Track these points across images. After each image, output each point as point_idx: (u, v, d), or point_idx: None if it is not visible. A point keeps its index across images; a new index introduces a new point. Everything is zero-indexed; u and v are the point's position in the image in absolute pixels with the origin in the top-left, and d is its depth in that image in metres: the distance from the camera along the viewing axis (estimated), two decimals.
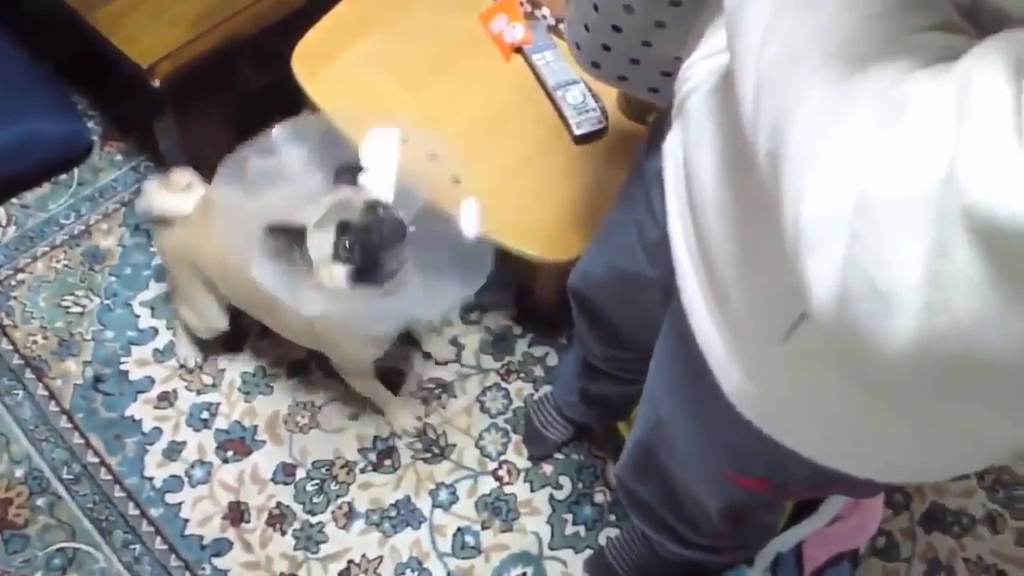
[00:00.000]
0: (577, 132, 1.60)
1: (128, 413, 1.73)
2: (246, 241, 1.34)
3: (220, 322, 1.66)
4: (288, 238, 1.27)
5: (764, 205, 0.54)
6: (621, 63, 1.03)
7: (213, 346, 1.78)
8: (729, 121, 0.70)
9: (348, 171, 1.34)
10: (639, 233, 1.04)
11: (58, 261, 1.89)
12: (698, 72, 0.79)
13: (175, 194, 1.58)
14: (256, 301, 1.54)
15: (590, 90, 1.64)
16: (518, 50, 1.70)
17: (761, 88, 0.53)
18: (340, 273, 1.27)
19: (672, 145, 0.82)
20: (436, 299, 1.37)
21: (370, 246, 1.25)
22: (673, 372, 0.93)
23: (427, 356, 1.83)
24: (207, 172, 1.65)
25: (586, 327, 1.37)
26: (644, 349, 1.32)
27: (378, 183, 1.33)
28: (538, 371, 1.83)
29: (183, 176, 1.60)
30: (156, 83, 1.59)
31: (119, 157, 2.04)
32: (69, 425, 1.70)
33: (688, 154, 0.77)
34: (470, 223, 1.38)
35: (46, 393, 1.74)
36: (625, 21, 0.94)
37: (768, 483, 0.86)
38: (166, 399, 1.75)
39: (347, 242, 1.25)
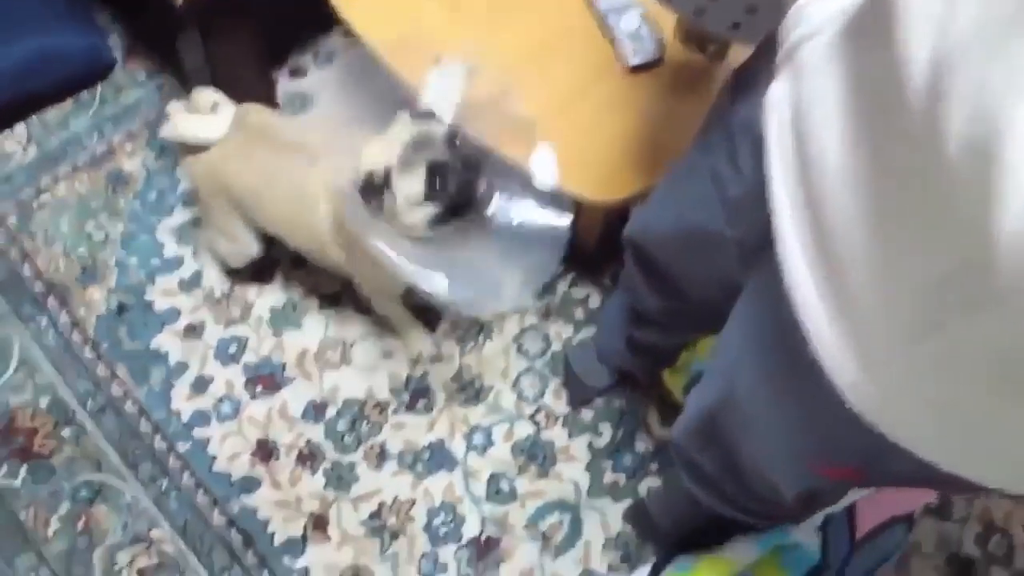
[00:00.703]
0: (632, 62, 1.49)
1: (154, 345, 1.67)
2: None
3: (253, 248, 1.59)
4: (377, 183, 1.22)
5: (923, 186, 0.46)
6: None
7: (242, 276, 1.72)
8: (872, 77, 0.60)
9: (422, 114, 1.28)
10: (717, 187, 0.94)
11: (81, 184, 1.81)
12: (816, 14, 0.68)
13: (202, 117, 1.49)
14: (295, 228, 1.48)
15: (645, 16, 1.52)
16: None
17: (950, 57, 0.44)
18: (427, 213, 1.22)
19: (778, 98, 0.72)
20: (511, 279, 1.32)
21: (466, 182, 1.21)
22: (759, 349, 0.84)
23: None
24: (235, 92, 1.56)
25: (642, 279, 1.28)
26: (707, 304, 1.24)
27: (443, 114, 1.27)
28: (579, 313, 1.76)
29: (208, 96, 1.51)
30: (178, 1, 1.48)
31: (143, 75, 1.94)
32: (93, 355, 1.65)
33: (802, 111, 0.67)
34: (545, 172, 1.31)
35: (69, 321, 1.68)
36: None
37: (860, 473, 0.79)
38: (193, 331, 1.69)
39: (441, 182, 1.20)
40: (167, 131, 1.51)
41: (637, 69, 1.50)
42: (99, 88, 1.91)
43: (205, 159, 1.49)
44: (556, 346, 1.72)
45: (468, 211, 1.24)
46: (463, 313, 1.66)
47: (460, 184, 1.21)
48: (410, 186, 1.22)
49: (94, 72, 1.89)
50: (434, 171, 1.20)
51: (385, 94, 1.38)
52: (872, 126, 0.59)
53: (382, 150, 1.25)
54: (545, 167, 1.30)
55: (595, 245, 1.78)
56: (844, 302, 0.63)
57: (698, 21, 1.00)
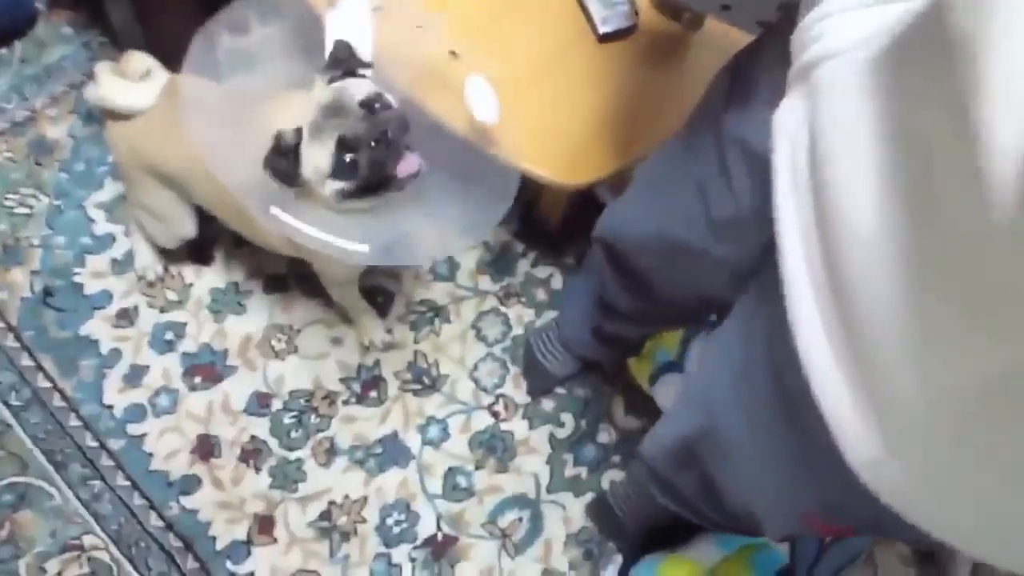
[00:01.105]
0: (602, 29, 1.37)
1: (83, 332, 1.54)
2: (221, 141, 1.14)
3: (187, 229, 1.47)
4: (285, 151, 1.08)
5: (985, 277, 0.36)
6: None
7: (178, 257, 1.59)
8: (921, 132, 0.49)
9: (338, 62, 1.13)
10: (706, 204, 0.85)
11: (0, 153, 1.66)
12: (838, 31, 0.57)
13: (132, 82, 1.35)
14: (233, 206, 1.34)
15: None
16: None
17: None
18: (334, 189, 1.09)
19: (789, 121, 0.61)
20: (442, 233, 1.18)
21: (379, 160, 1.07)
22: (750, 394, 0.75)
23: (417, 276, 1.64)
24: (168, 56, 1.40)
25: (614, 278, 1.18)
26: (683, 308, 1.15)
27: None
28: (541, 295, 1.66)
29: (140, 61, 1.36)
30: None
31: (68, 31, 1.77)
32: (16, 344, 1.52)
33: (822, 148, 0.56)
34: (483, 106, 1.17)
35: None
36: None
37: (859, 532, 0.71)
38: (126, 317, 1.56)
39: (351, 158, 1.06)
40: (91, 93, 1.36)
41: (608, 38, 1.38)
42: (18, 45, 1.74)
43: (130, 128, 1.35)
44: (517, 330, 1.63)
45: (382, 190, 1.10)
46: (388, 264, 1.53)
47: (372, 162, 1.07)
48: (318, 158, 1.08)
49: (13, 27, 1.72)
50: (344, 145, 1.06)
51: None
52: (919, 195, 0.48)
53: (296, 113, 1.10)
54: (483, 102, 1.16)
55: (558, 223, 1.68)
56: (869, 380, 0.53)
57: (695, 3, 0.88)
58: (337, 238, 1.09)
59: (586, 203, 1.59)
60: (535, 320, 1.63)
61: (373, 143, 1.06)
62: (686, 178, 0.89)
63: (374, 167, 1.07)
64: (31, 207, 1.62)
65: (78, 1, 1.78)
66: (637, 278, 1.12)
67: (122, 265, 1.59)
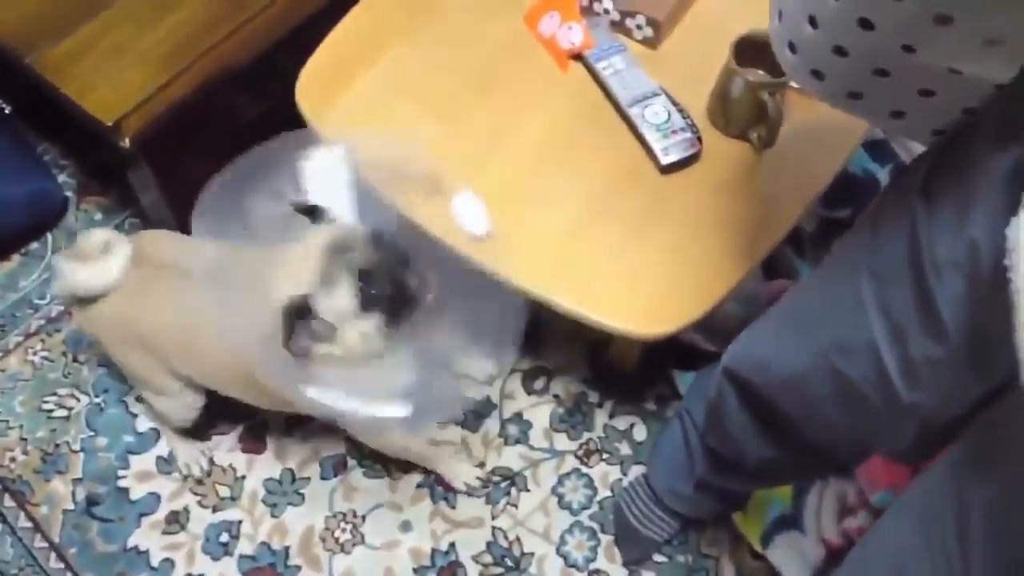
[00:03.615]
0: (664, 160, 1.24)
1: (132, 543, 1.41)
2: (226, 306, 1.04)
3: (195, 400, 1.34)
4: (300, 313, 0.98)
5: None
6: (859, 75, 0.70)
7: (200, 433, 1.46)
8: None
9: (306, 210, 1.05)
10: (893, 334, 0.74)
11: (35, 353, 1.56)
12: None
13: (94, 261, 1.24)
14: (235, 375, 1.23)
15: (675, 103, 1.28)
16: (577, 57, 1.33)
17: None
18: (367, 327, 1.01)
19: None
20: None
21: (401, 281, 1.01)
22: None
23: (486, 441, 1.49)
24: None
25: (748, 422, 1.05)
26: (828, 460, 1.01)
27: (338, 210, 1.06)
28: (624, 448, 1.49)
29: (96, 237, 1.27)
30: (125, 143, 1.25)
31: (99, 215, 1.70)
32: (60, 565, 1.39)
33: None
34: (474, 221, 1.13)
35: (30, 525, 1.42)
36: (884, 13, 0.62)
37: None
38: (176, 521, 1.43)
39: (374, 286, 0.99)
40: (58, 288, 1.27)
41: (672, 168, 1.25)
42: (50, 236, 1.68)
43: (108, 304, 1.24)
44: (603, 492, 1.46)
45: (411, 309, 1.03)
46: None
47: (395, 282, 1.00)
48: (338, 301, 0.99)
49: (43, 219, 1.67)
50: (363, 276, 0.99)
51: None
52: None
53: (293, 271, 1.01)
54: (471, 215, 1.14)
55: (634, 366, 1.53)
56: None
57: (847, 106, 0.76)
58: (372, 403, 1.03)
59: (662, 342, 1.44)
60: (621, 478, 1.46)
61: (392, 264, 1.01)
62: (860, 305, 0.77)
63: (398, 287, 1.01)
64: (70, 408, 1.52)
65: (107, 184, 1.72)
66: (780, 423, 0.99)
67: (168, 463, 1.47)
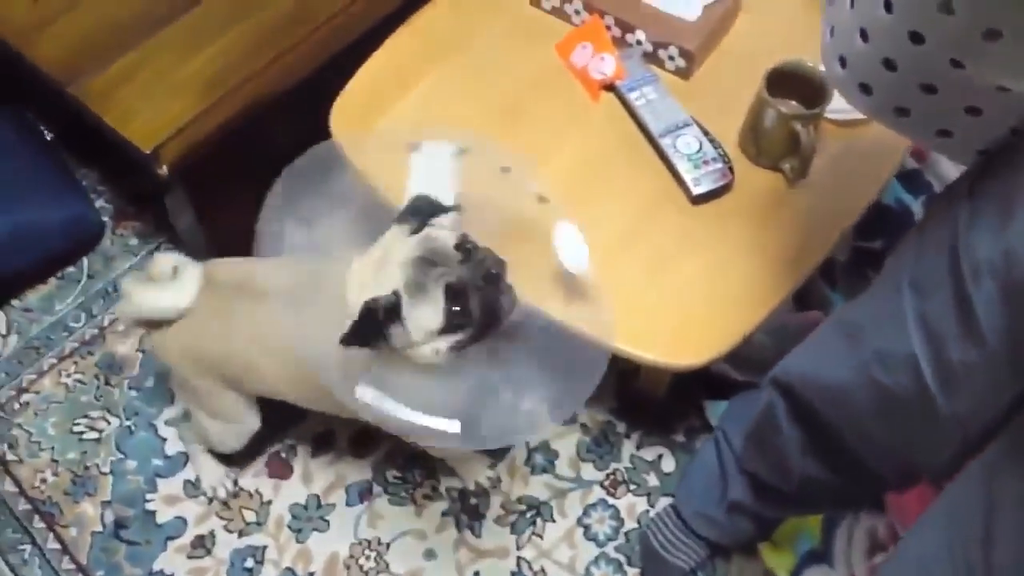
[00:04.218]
0: (695, 191, 1.24)
1: (157, 567, 1.41)
2: (298, 320, 1.04)
3: (253, 421, 1.35)
4: (382, 319, 0.96)
5: None
6: (907, 90, 0.70)
7: (237, 460, 1.47)
8: None
9: (417, 212, 1.02)
10: (931, 341, 0.75)
11: (68, 375, 1.58)
12: None
13: (163, 285, 1.25)
14: (304, 387, 1.23)
15: (707, 133, 1.28)
16: (609, 87, 1.34)
17: None
18: (446, 344, 0.98)
19: None
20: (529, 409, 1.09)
21: (490, 298, 0.97)
22: None
23: (512, 470, 1.48)
24: (235, 252, 1.33)
25: (796, 434, 1.05)
26: (874, 479, 1.01)
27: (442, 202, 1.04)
28: (652, 480, 1.48)
29: (166, 261, 1.27)
30: (163, 170, 1.27)
31: (134, 241, 1.73)
32: None
33: None
34: (572, 255, 1.08)
35: (58, 546, 1.43)
36: (935, 26, 0.63)
37: None
38: (202, 545, 1.43)
39: (463, 305, 0.96)
40: (124, 309, 1.28)
41: (703, 199, 1.25)
42: (86, 261, 1.70)
43: (178, 331, 1.25)
44: (630, 524, 1.44)
45: (494, 329, 1.00)
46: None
47: (484, 303, 0.97)
48: (427, 316, 0.96)
49: (80, 244, 1.69)
50: (454, 294, 0.96)
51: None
52: None
53: (375, 275, 0.99)
54: (572, 250, 1.08)
55: (662, 396, 1.52)
56: None
57: (894, 123, 0.77)
58: (427, 416, 1.00)
59: (691, 372, 1.43)
60: (648, 510, 1.45)
61: (481, 285, 0.97)
62: (900, 313, 0.78)
63: (487, 309, 0.98)
64: (101, 430, 1.53)
65: (142, 209, 1.75)
66: (826, 435, 0.99)
67: (195, 487, 1.47)
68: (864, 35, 0.69)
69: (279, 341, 1.16)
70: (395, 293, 0.96)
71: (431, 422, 1.00)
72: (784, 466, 1.10)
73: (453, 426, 1.00)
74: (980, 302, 0.69)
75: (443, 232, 1.01)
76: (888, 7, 0.65)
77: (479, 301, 0.97)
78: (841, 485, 1.05)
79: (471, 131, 1.28)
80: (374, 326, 0.95)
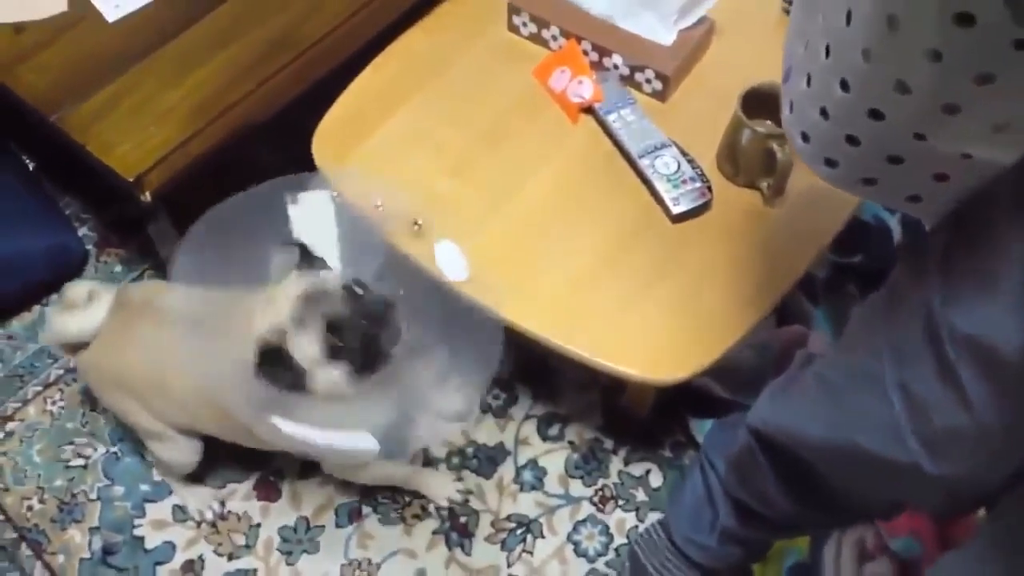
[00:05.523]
0: (675, 210, 1.27)
1: None
2: (201, 349, 1.10)
3: (191, 444, 1.37)
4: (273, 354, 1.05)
5: None
6: (872, 162, 0.71)
7: (230, 485, 1.48)
8: None
9: (291, 250, 1.11)
10: (912, 409, 0.74)
11: (53, 403, 1.58)
12: None
13: (81, 311, 1.32)
14: (217, 416, 1.26)
15: (685, 154, 1.31)
16: (587, 110, 1.37)
17: None
18: (338, 374, 1.06)
19: None
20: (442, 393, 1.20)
21: (370, 335, 1.06)
22: None
23: (501, 487, 1.49)
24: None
25: (774, 480, 1.05)
26: (863, 513, 1.01)
27: (323, 252, 1.12)
28: (640, 494, 1.49)
29: (79, 289, 1.34)
30: (146, 197, 1.27)
31: (118, 268, 1.73)
32: None
33: None
34: (453, 267, 1.20)
35: (47, 574, 1.42)
36: (893, 104, 0.63)
37: None
38: (191, 569, 1.43)
39: (341, 338, 1.04)
40: (45, 336, 1.36)
41: (682, 217, 1.28)
42: None
43: (88, 354, 1.32)
44: (619, 539, 1.45)
45: (381, 365, 1.08)
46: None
47: (364, 338, 1.05)
48: (307, 347, 1.05)
49: (63, 272, 1.68)
50: (332, 327, 1.05)
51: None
52: None
53: (270, 312, 1.07)
54: (452, 261, 1.21)
55: (648, 412, 1.53)
56: None
57: (864, 191, 0.77)
58: (342, 435, 1.09)
59: (678, 385, 1.45)
60: (638, 525, 1.46)
61: (362, 321, 1.05)
62: (877, 379, 0.78)
63: (368, 342, 1.05)
64: (87, 457, 1.53)
65: (126, 238, 1.76)
66: (811, 484, 0.99)
67: (184, 511, 1.47)
68: (824, 113, 0.69)
69: (183, 366, 1.19)
70: (279, 331, 1.05)
71: (346, 440, 1.09)
72: (766, 499, 1.12)
73: (372, 443, 1.08)
74: (965, 370, 0.68)
75: (332, 274, 1.10)
76: (845, 87, 0.65)
77: (359, 336, 1.05)
78: (825, 518, 1.06)
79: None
80: (273, 356, 1.04)
